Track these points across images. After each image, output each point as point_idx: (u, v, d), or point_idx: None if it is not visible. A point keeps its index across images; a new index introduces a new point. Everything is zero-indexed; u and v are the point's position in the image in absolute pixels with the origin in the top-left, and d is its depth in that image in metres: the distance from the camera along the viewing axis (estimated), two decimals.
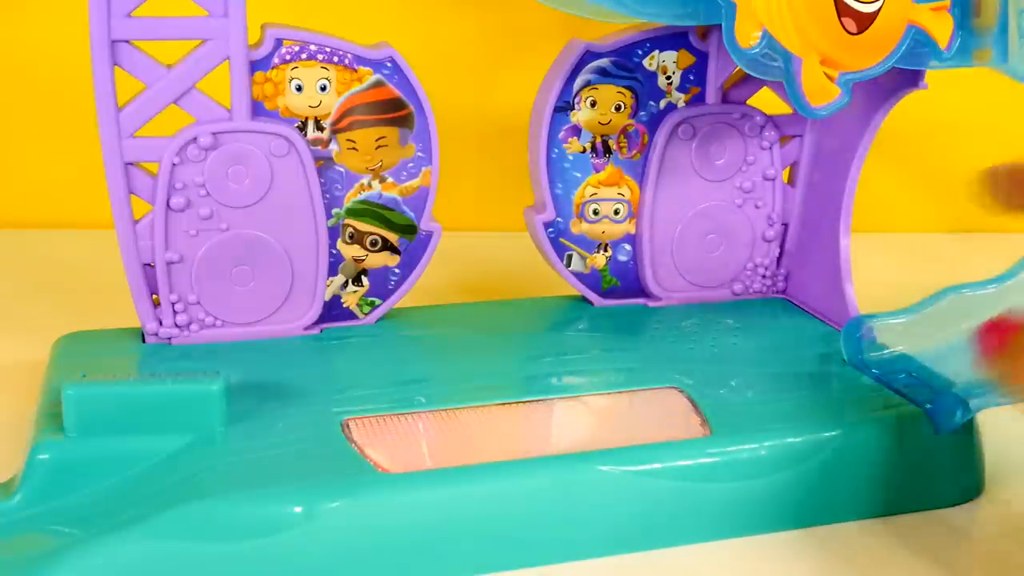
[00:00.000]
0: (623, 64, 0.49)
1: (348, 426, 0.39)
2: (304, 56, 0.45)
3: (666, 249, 0.52)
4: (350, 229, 0.47)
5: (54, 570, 0.34)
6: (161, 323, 0.45)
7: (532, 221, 0.50)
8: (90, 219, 0.62)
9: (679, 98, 0.50)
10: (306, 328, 0.47)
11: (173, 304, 0.45)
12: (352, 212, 0.47)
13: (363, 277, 0.48)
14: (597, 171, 0.50)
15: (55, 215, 0.69)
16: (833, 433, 0.41)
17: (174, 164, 0.43)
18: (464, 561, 0.37)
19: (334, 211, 0.47)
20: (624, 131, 0.50)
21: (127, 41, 0.42)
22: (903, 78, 0.47)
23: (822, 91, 0.43)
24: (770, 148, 0.52)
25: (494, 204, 0.68)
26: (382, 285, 0.49)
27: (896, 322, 0.47)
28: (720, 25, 0.42)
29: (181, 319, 0.45)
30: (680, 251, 0.52)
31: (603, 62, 0.49)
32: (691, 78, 0.50)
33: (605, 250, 0.51)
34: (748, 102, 0.51)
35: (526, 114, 0.50)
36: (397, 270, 0.48)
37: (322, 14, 0.59)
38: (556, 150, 0.49)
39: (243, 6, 0.43)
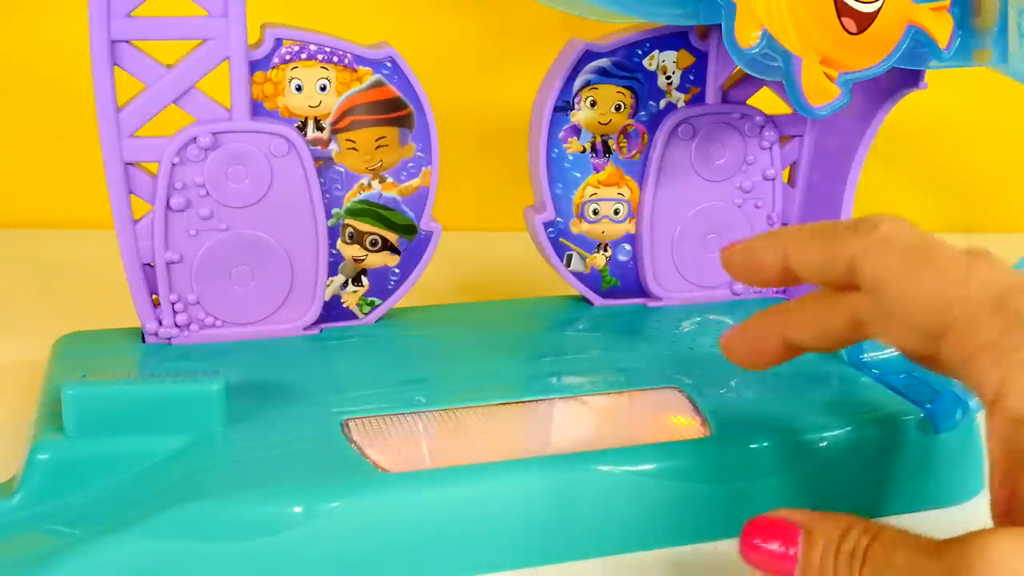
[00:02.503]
0: (623, 64, 0.49)
1: (348, 426, 0.39)
2: (304, 56, 0.45)
3: (666, 249, 0.52)
4: (350, 229, 0.47)
5: (54, 570, 0.34)
6: (161, 323, 0.46)
7: (532, 221, 0.50)
8: (90, 219, 0.62)
9: (679, 98, 0.50)
10: (306, 328, 0.47)
11: (173, 304, 0.45)
12: (352, 212, 0.47)
13: (363, 277, 0.48)
14: (597, 171, 0.50)
15: (55, 215, 0.69)
16: (833, 433, 0.41)
17: (174, 164, 0.43)
18: (464, 561, 0.37)
19: (334, 211, 0.47)
20: (624, 131, 0.50)
21: (127, 41, 0.42)
22: (903, 78, 0.47)
23: (822, 91, 0.43)
24: (770, 148, 0.52)
25: (494, 204, 0.68)
26: (382, 285, 0.49)
27: None
28: (720, 25, 0.42)
29: (181, 319, 0.45)
30: (680, 251, 0.52)
31: (603, 62, 0.49)
32: (691, 78, 0.50)
33: (605, 250, 0.52)
34: (748, 102, 0.51)
35: (526, 114, 0.50)
36: (397, 270, 0.48)
37: (322, 14, 0.59)
38: (556, 150, 0.49)
39: (243, 6, 0.43)
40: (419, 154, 0.47)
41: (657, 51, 0.49)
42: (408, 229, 0.48)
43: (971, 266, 0.30)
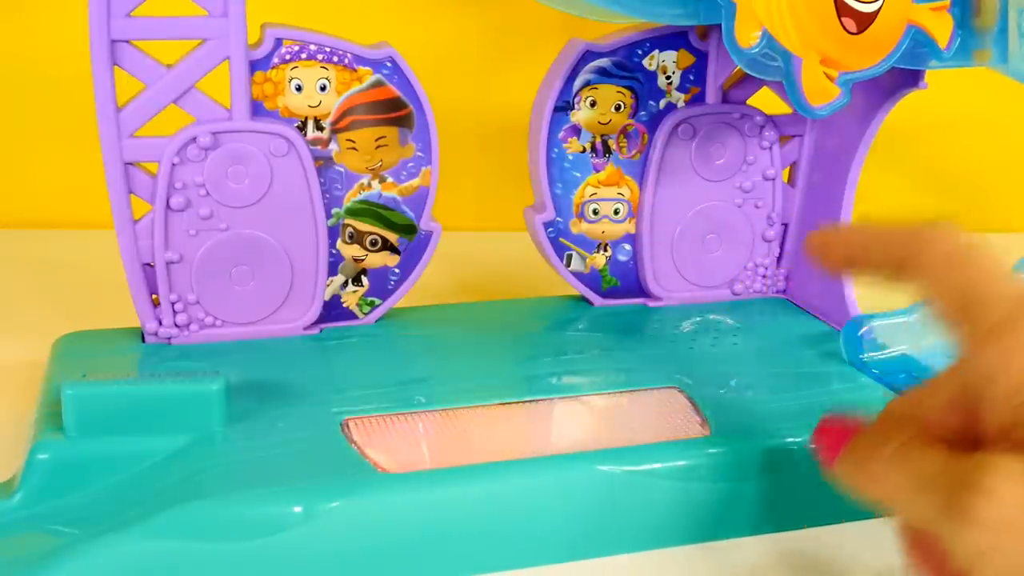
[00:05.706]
0: (623, 64, 0.49)
1: (348, 426, 0.39)
2: (304, 56, 0.45)
3: (666, 249, 0.52)
4: (350, 229, 0.47)
5: (54, 570, 0.34)
6: (161, 323, 0.46)
7: (532, 221, 0.50)
8: (90, 219, 0.62)
9: (679, 98, 0.50)
10: (306, 328, 0.47)
11: (173, 304, 0.45)
12: (352, 212, 0.47)
13: (363, 277, 0.48)
14: (597, 171, 0.50)
15: (55, 215, 0.69)
16: None
17: (174, 164, 0.43)
18: (464, 561, 0.37)
19: (334, 211, 0.47)
20: (624, 131, 0.50)
21: (127, 41, 0.42)
22: (903, 78, 0.47)
23: (822, 91, 0.43)
24: (770, 148, 0.52)
25: (494, 204, 0.68)
26: (382, 285, 0.49)
27: (896, 322, 0.47)
28: (720, 25, 0.42)
29: (181, 319, 0.45)
30: (680, 251, 0.52)
31: (603, 62, 0.49)
32: (691, 78, 0.50)
33: (605, 250, 0.51)
34: (748, 102, 0.51)
35: (526, 114, 0.50)
36: (397, 270, 0.48)
37: (322, 14, 0.59)
38: (556, 150, 0.49)
39: (243, 6, 0.43)
40: (419, 154, 0.47)
41: (657, 51, 0.49)
42: (408, 229, 0.48)
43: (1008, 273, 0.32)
